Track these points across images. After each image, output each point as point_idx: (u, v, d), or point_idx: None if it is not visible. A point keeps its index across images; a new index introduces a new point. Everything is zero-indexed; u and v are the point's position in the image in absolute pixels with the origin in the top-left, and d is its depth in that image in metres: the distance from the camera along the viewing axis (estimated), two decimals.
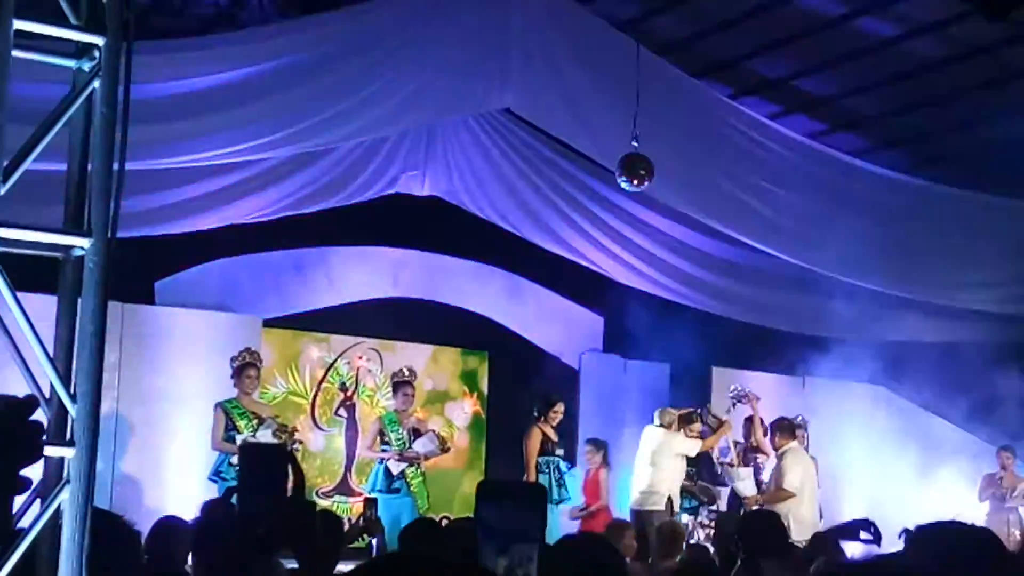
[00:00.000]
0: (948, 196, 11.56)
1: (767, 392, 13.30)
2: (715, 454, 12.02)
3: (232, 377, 10.16)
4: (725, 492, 12.07)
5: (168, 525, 4.84)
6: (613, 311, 13.71)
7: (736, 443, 12.09)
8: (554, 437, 11.29)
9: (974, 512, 11.76)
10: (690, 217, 11.31)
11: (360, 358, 12.95)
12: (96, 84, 3.06)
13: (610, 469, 11.63)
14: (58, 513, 3.04)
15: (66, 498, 3.02)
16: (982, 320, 12.38)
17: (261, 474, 2.30)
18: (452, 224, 12.20)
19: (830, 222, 11.05)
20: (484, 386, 13.74)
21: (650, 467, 11.31)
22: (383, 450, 10.46)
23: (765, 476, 11.61)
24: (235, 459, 9.71)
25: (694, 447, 11.44)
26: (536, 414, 11.29)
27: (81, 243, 3.03)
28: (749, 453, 12.05)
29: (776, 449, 11.32)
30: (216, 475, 9.83)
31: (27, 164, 2.98)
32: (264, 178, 10.33)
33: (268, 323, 11.73)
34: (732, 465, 11.85)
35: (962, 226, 11.47)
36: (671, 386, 13.88)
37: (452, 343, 13.54)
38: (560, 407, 11.43)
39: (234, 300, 11.57)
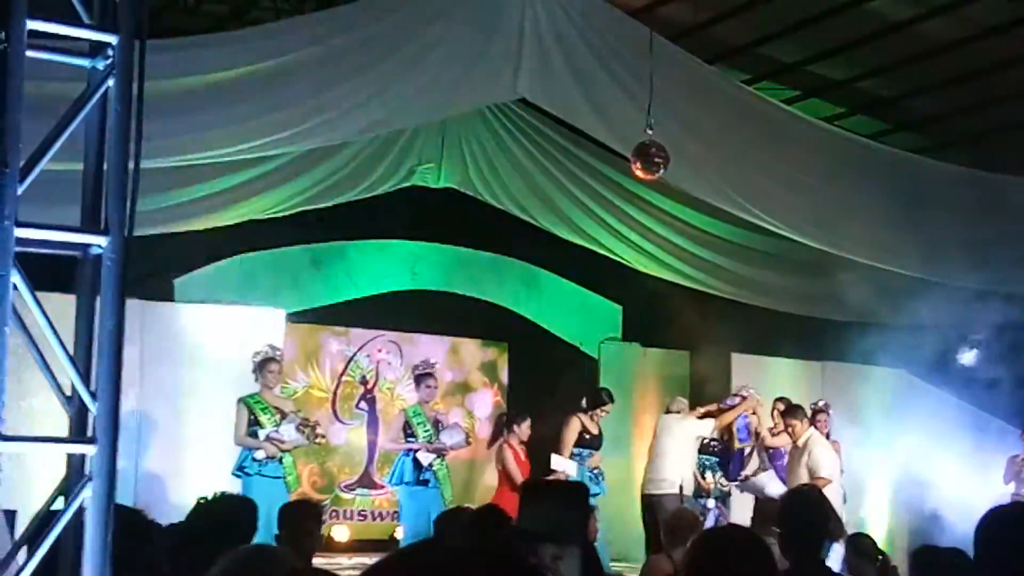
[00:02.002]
0: (968, 178, 11.50)
1: (787, 378, 13.29)
2: (734, 435, 11.92)
3: (253, 372, 10.17)
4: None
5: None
6: (632, 299, 13.72)
7: (756, 434, 12.01)
8: (594, 431, 11.20)
9: (998, 494, 11.72)
10: (707, 203, 11.27)
11: (380, 351, 12.99)
12: (110, 82, 3.07)
13: None
14: (81, 509, 3.06)
15: (89, 495, 3.05)
16: (1003, 302, 12.31)
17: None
18: (469, 215, 12.21)
19: (850, 206, 11.00)
20: (504, 377, 13.76)
21: (660, 452, 11.30)
22: (409, 442, 10.42)
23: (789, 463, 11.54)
24: (259, 454, 9.77)
25: (706, 427, 11.35)
26: (584, 405, 11.19)
27: (98, 241, 3.05)
28: (762, 453, 11.99)
29: (793, 436, 11.22)
30: (240, 470, 9.84)
31: (44, 163, 3.00)
32: (281, 173, 10.34)
33: (287, 317, 11.75)
34: (747, 477, 11.80)
35: (982, 208, 11.40)
36: (691, 373, 13.89)
37: (471, 335, 13.56)
38: (609, 407, 11.27)
39: (253, 296, 11.59)
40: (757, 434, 11.98)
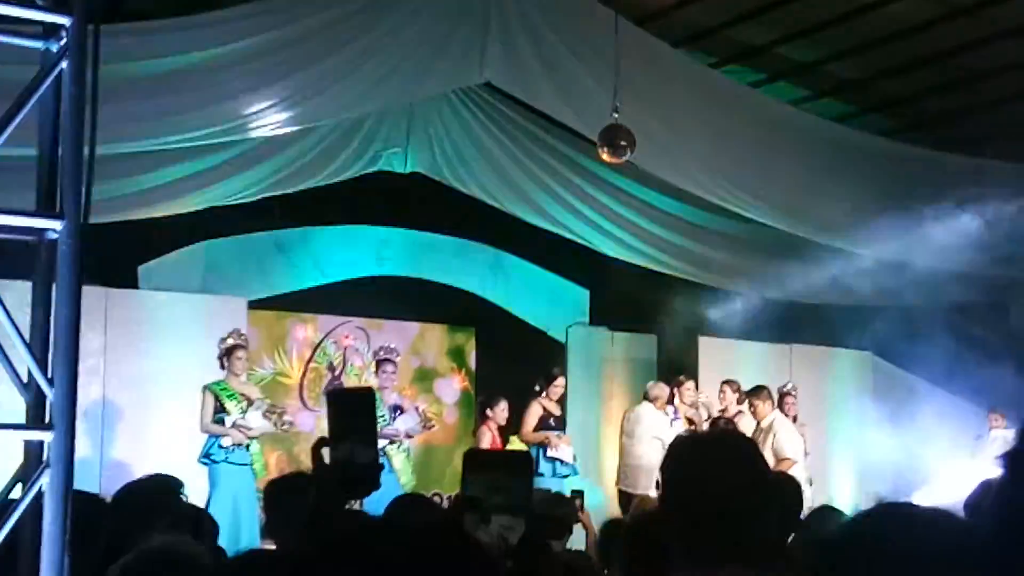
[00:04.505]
0: (934, 160, 11.56)
1: (755, 360, 13.33)
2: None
3: (220, 359, 10.14)
4: None
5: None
6: (599, 283, 13.73)
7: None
8: (556, 411, 11.31)
9: (965, 474, 11.79)
10: (674, 186, 11.28)
11: (347, 337, 12.95)
12: (64, 65, 3.03)
13: None
14: (40, 495, 3.03)
15: (47, 482, 3.01)
16: (967, 282, 12.38)
17: (353, 420, 2.28)
18: (435, 200, 12.16)
19: (818, 188, 11.04)
20: (472, 362, 13.75)
21: (632, 444, 11.35)
22: None
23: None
24: (225, 441, 9.73)
25: (669, 435, 11.30)
26: (538, 389, 11.30)
27: (53, 226, 3.01)
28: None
29: (758, 417, 11.29)
30: (206, 457, 9.82)
31: None
32: (244, 159, 10.27)
33: (253, 304, 11.70)
34: None
35: (949, 189, 11.46)
36: (658, 357, 13.91)
37: (438, 320, 13.55)
38: (561, 380, 11.48)
39: (218, 282, 11.56)
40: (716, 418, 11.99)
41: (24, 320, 3.08)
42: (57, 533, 2.94)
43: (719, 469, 2.49)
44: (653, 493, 10.59)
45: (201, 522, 4.42)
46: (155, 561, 2.80)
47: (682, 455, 2.65)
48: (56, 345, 3.02)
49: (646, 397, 11.70)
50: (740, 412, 11.63)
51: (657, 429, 11.32)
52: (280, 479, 4.94)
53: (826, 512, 6.91)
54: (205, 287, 11.53)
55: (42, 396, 3.04)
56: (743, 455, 2.60)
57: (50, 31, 3.06)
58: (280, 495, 4.41)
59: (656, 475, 10.86)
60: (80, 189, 3.00)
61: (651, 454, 11.09)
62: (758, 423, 11.27)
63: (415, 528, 1.39)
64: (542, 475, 10.79)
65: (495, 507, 2.40)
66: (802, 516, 5.17)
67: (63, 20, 3.02)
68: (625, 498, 11.07)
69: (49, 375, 3.01)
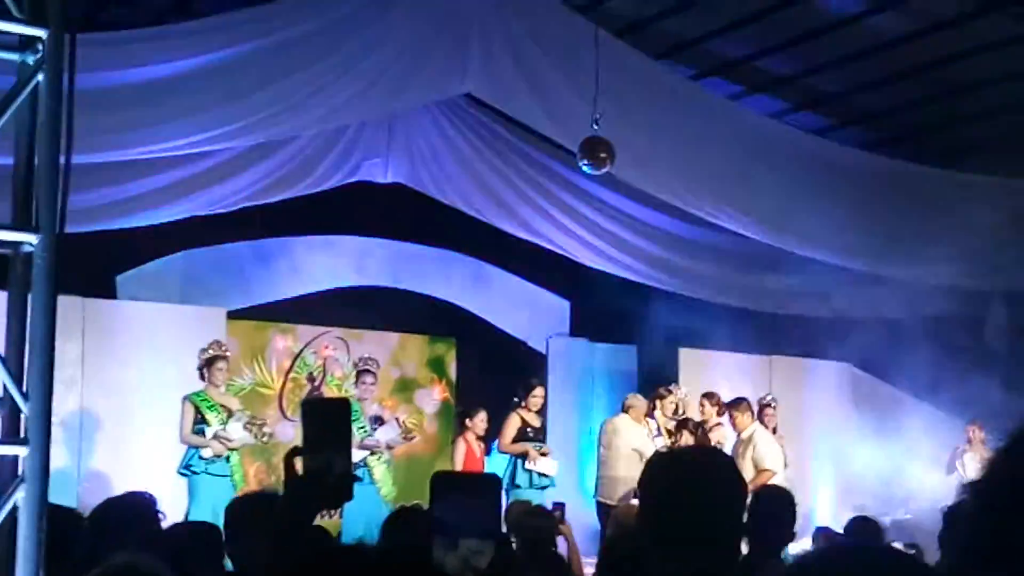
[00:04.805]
0: (913, 173, 11.59)
1: (735, 372, 13.36)
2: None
3: (200, 370, 10.11)
4: None
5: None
6: (579, 295, 13.75)
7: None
8: (535, 423, 11.27)
9: (942, 486, 11.83)
10: (655, 198, 11.30)
11: (327, 347, 12.92)
12: (40, 77, 3.01)
13: None
14: (15, 510, 3.00)
15: (21, 496, 2.99)
16: (947, 295, 12.43)
17: (328, 430, 2.27)
18: (416, 211, 12.16)
19: (798, 201, 11.06)
20: (452, 373, 13.74)
21: (609, 455, 11.36)
22: None
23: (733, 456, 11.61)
24: (206, 452, 9.70)
25: (648, 447, 11.29)
26: (517, 400, 11.27)
27: (29, 239, 2.99)
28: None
29: (738, 429, 11.32)
30: (186, 468, 9.78)
31: None
32: (224, 169, 10.24)
33: (233, 315, 11.68)
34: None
35: (927, 202, 11.50)
36: (639, 368, 13.93)
37: (419, 331, 13.54)
38: (540, 391, 11.44)
39: (197, 292, 11.54)
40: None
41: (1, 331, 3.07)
42: (31, 550, 2.92)
43: (696, 485, 2.49)
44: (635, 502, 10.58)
45: (179, 539, 4.39)
46: None
47: (660, 470, 2.64)
48: (31, 359, 3.00)
49: (624, 409, 11.70)
50: (719, 424, 11.64)
51: (635, 441, 11.33)
52: (241, 499, 4.89)
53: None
54: (184, 297, 11.50)
55: (17, 410, 3.02)
56: (720, 471, 2.60)
57: (27, 43, 3.04)
58: (242, 516, 4.35)
59: (633, 487, 10.94)
60: (56, 202, 2.98)
61: (628, 466, 11.09)
62: (738, 435, 11.29)
63: (379, 552, 1.38)
64: (519, 487, 10.77)
65: (463, 531, 2.39)
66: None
67: (39, 32, 3.01)
68: (603, 510, 11.06)
69: (24, 389, 2.99)
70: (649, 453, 11.18)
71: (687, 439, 11.44)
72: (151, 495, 4.53)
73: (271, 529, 2.22)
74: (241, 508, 4.41)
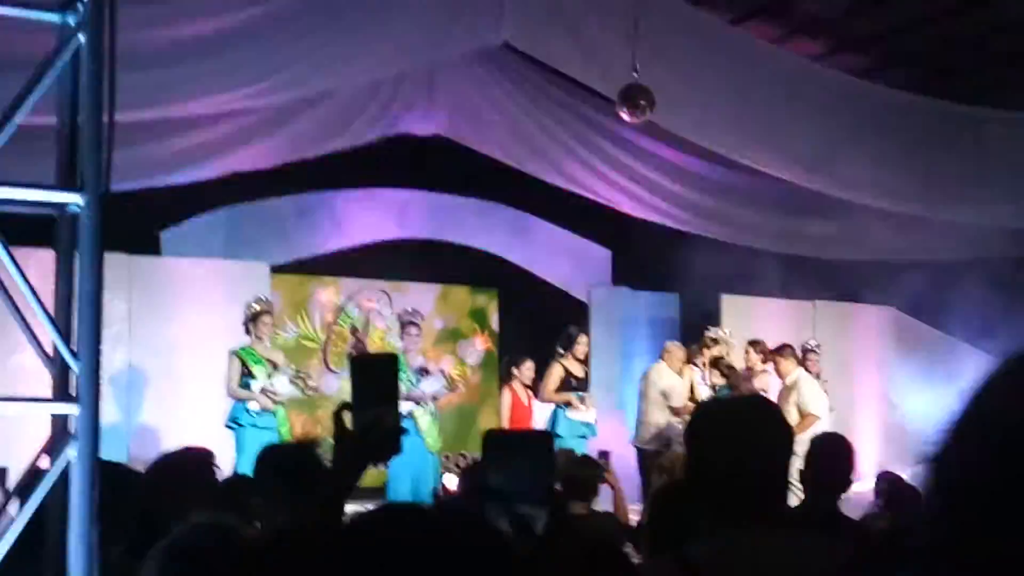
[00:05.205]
0: (956, 113, 11.46)
1: (777, 318, 13.30)
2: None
3: (245, 325, 10.17)
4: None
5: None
6: (621, 243, 13.71)
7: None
8: (579, 372, 11.25)
9: None
10: (696, 145, 11.22)
11: (370, 300, 12.98)
12: (81, 38, 3.02)
13: None
14: (67, 467, 3.05)
15: (74, 455, 3.03)
16: (995, 236, 12.31)
17: (376, 385, 2.29)
18: (456, 162, 12.12)
19: (840, 144, 10.96)
20: (494, 323, 13.77)
21: (644, 403, 11.40)
22: None
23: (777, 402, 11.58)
24: (252, 406, 9.78)
25: (677, 394, 11.34)
26: (561, 350, 11.23)
27: (75, 199, 3.01)
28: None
29: (782, 376, 11.29)
30: (233, 422, 9.87)
31: (16, 121, 2.96)
32: (264, 124, 10.25)
33: (276, 269, 11.74)
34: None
35: (971, 142, 11.38)
36: (681, 316, 13.90)
37: (461, 282, 13.56)
38: (584, 338, 11.40)
39: (240, 248, 11.60)
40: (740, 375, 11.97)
41: (48, 289, 3.09)
42: (84, 506, 2.97)
43: (744, 434, 2.50)
44: (678, 448, 10.61)
45: (240, 495, 4.42)
46: (203, 536, 2.81)
47: (707, 420, 2.65)
48: (80, 318, 3.03)
49: (662, 357, 11.70)
50: (764, 371, 11.62)
51: (666, 387, 11.32)
52: (272, 449, 4.81)
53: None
54: (227, 252, 11.57)
55: (67, 369, 3.06)
56: (768, 419, 2.60)
57: (66, 4, 3.06)
58: (273, 466, 4.34)
59: (661, 431, 10.96)
60: (100, 162, 3.00)
61: (659, 412, 11.16)
62: (783, 381, 11.27)
63: (437, 514, 1.39)
64: (560, 436, 10.80)
65: (517, 495, 2.38)
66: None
67: None
68: (640, 455, 11.11)
69: (74, 348, 3.02)
70: (677, 400, 11.25)
71: (730, 384, 11.46)
72: (208, 450, 4.55)
73: (312, 483, 2.24)
74: (272, 458, 4.41)
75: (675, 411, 11.20)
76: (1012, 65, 12.09)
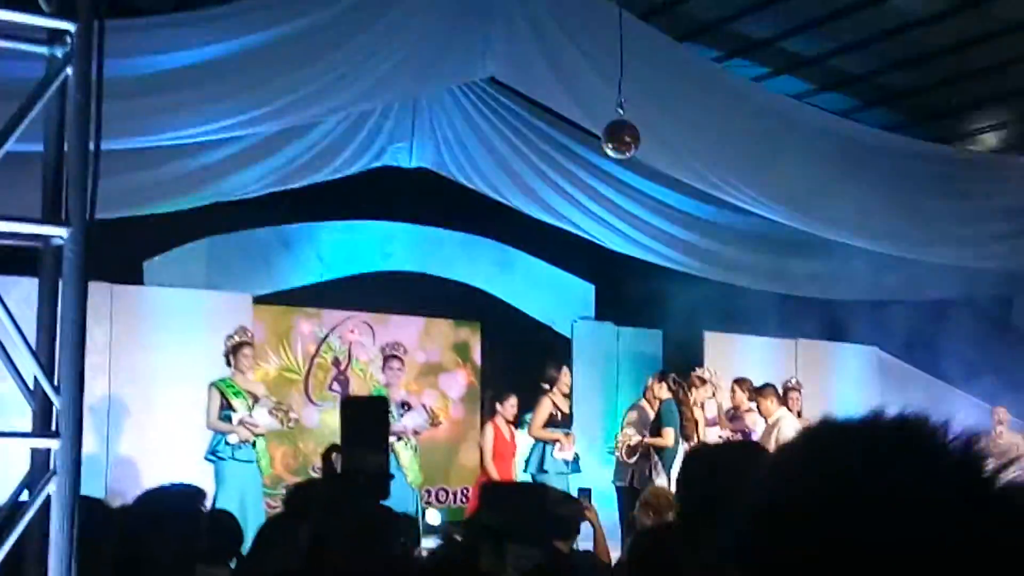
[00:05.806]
0: (937, 154, 11.53)
1: (760, 356, 13.31)
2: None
3: (226, 356, 10.13)
4: None
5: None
6: (604, 279, 13.72)
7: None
8: (565, 408, 11.22)
9: None
10: (680, 181, 11.25)
11: (352, 332, 12.93)
12: (69, 70, 3.01)
13: None
14: (47, 502, 3.01)
15: (54, 489, 3.00)
16: (975, 277, 12.35)
17: (365, 428, 2.29)
18: (441, 196, 12.12)
19: (823, 183, 11.00)
20: (477, 357, 13.74)
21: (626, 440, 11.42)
22: None
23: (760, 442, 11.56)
24: (232, 438, 9.72)
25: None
26: (547, 386, 11.19)
27: (59, 232, 2.99)
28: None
29: (764, 415, 11.27)
30: (212, 454, 9.81)
31: (2, 152, 2.94)
32: (249, 154, 10.23)
33: (258, 300, 11.70)
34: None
35: (952, 183, 11.44)
36: (664, 352, 13.90)
37: (444, 315, 13.53)
38: (567, 371, 11.39)
39: (223, 278, 11.56)
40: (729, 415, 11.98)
41: (29, 315, 3.06)
42: (64, 542, 2.93)
43: (732, 479, 2.49)
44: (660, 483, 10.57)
45: (222, 534, 4.36)
46: None
47: (696, 468, 2.64)
48: (63, 351, 3.01)
49: (644, 395, 11.67)
50: (750, 410, 11.61)
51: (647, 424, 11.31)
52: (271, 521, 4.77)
53: None
54: (210, 283, 11.53)
55: (48, 403, 3.03)
56: (756, 463, 2.59)
57: (55, 37, 3.04)
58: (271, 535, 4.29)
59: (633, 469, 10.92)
60: (86, 195, 2.98)
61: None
62: (766, 420, 11.26)
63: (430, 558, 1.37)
64: (546, 472, 10.77)
65: (511, 536, 2.38)
66: None
67: (68, 26, 3.01)
68: (619, 493, 11.11)
69: (56, 382, 2.99)
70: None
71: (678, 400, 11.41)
72: (199, 488, 4.46)
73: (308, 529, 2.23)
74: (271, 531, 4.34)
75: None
76: (995, 106, 12.19)
